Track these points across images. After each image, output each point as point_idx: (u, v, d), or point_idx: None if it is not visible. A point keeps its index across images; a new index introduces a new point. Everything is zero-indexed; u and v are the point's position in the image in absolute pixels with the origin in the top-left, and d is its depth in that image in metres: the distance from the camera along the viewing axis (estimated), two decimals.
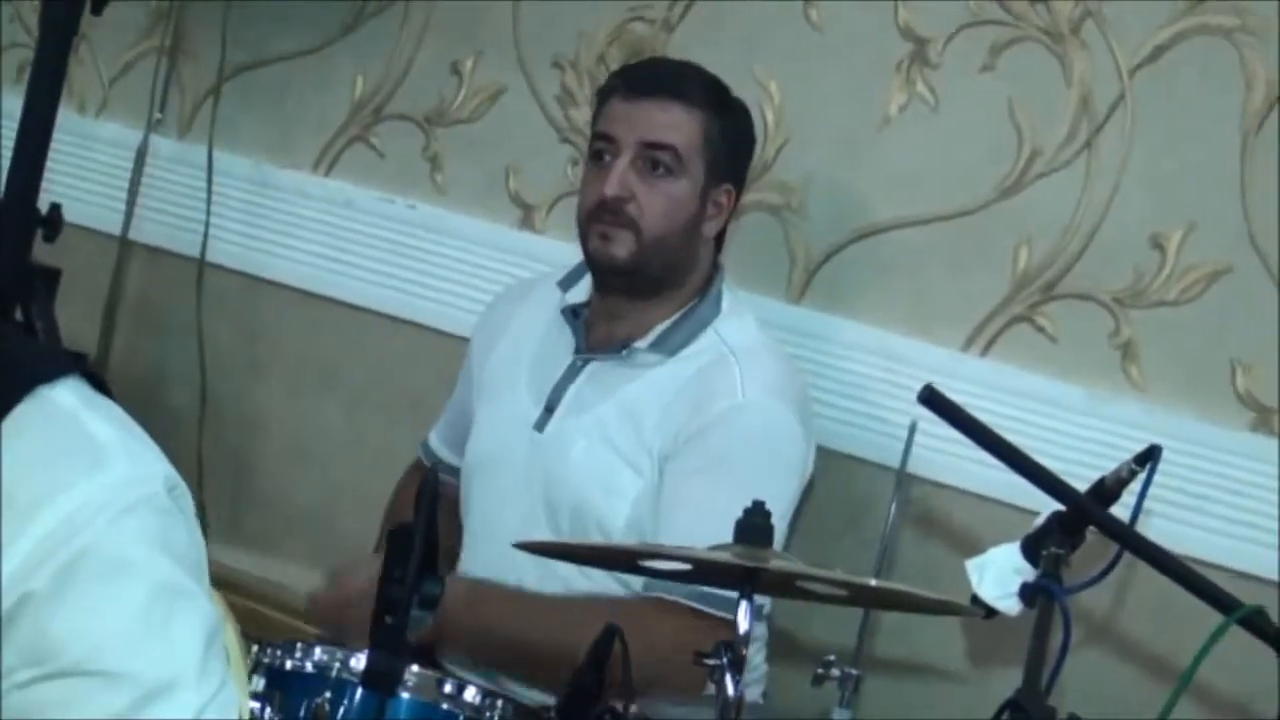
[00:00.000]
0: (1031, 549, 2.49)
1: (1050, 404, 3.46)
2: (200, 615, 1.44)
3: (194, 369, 4.16)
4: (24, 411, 1.43)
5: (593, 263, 3.17)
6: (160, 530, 1.44)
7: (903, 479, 3.07)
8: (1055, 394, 3.46)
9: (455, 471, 3.34)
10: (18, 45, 4.38)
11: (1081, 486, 3.31)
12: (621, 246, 3.11)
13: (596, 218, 3.13)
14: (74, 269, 4.13)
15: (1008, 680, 2.45)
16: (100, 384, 1.52)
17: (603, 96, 3.22)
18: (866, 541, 3.35)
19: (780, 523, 3.01)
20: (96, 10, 3.76)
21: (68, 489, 1.41)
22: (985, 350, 3.53)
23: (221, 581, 4.08)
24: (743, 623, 2.34)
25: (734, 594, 2.36)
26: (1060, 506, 2.51)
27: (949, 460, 3.41)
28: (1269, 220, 3.31)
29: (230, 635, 1.74)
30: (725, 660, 2.32)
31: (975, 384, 3.47)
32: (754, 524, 2.36)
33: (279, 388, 4.17)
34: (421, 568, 2.20)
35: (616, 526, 3.06)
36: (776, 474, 3.05)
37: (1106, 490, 2.47)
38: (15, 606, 1.38)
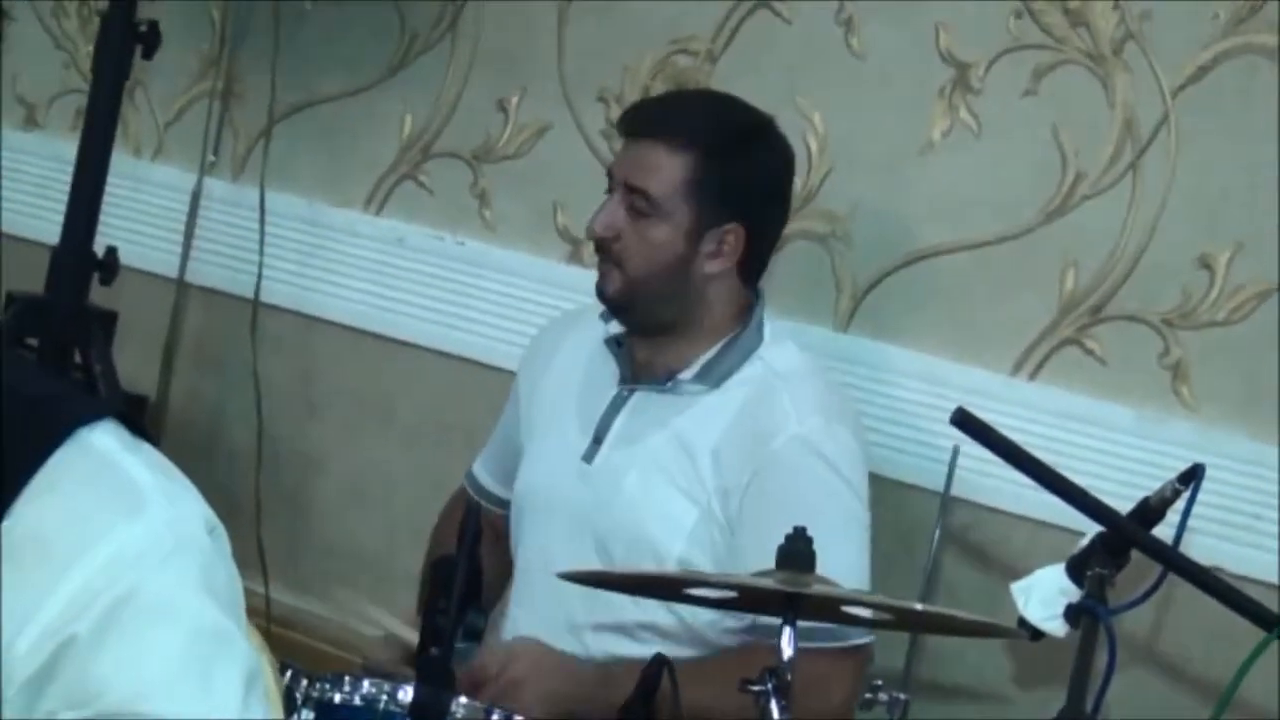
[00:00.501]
0: (1076, 570, 2.47)
1: (1101, 426, 3.42)
2: (241, 658, 1.44)
3: (251, 409, 4.14)
4: (63, 457, 1.42)
5: (599, 294, 3.16)
6: (200, 572, 1.43)
7: (946, 503, 3.05)
8: (1106, 416, 3.42)
9: (499, 501, 3.33)
10: (73, 91, 4.41)
11: (1128, 505, 3.36)
12: (611, 282, 3.10)
13: (597, 252, 3.14)
14: (132, 312, 4.15)
15: (1054, 701, 2.45)
16: (137, 425, 1.52)
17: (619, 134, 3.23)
18: (919, 566, 3.30)
19: (862, 546, 3.01)
20: (148, 55, 3.78)
21: (108, 534, 1.40)
22: (1034, 374, 3.48)
23: (281, 620, 4.14)
24: (786, 649, 2.33)
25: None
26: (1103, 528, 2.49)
27: (993, 483, 3.38)
28: None
29: (266, 669, 1.74)
30: (770, 686, 2.32)
31: (1025, 408, 3.44)
32: (795, 550, 2.35)
33: (335, 425, 4.15)
34: (465, 600, 2.20)
35: (672, 556, 3.01)
36: (851, 493, 3.03)
37: (1151, 510, 2.45)
38: (58, 650, 1.38)
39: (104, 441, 1.45)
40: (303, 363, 4.19)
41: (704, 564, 3.02)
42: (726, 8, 3.78)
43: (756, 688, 2.32)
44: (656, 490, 3.06)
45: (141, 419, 3.78)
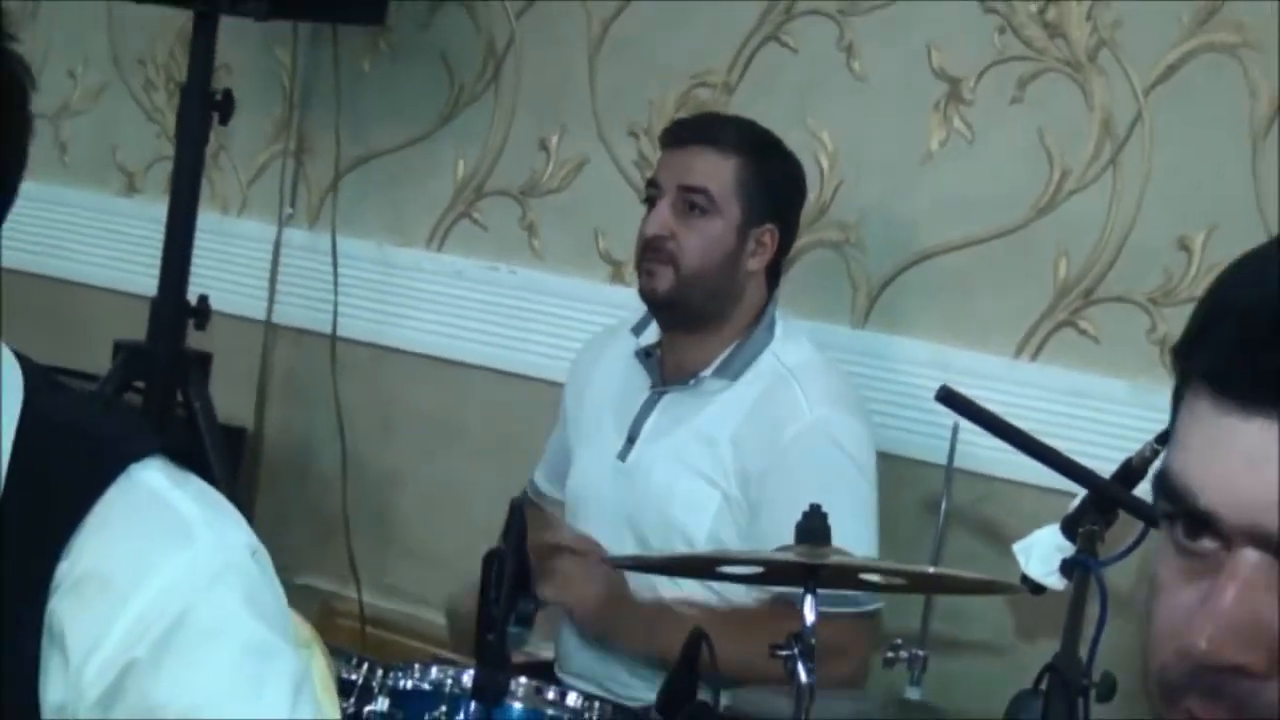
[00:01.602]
0: (1070, 528, 2.47)
1: (1099, 399, 3.44)
2: (287, 667, 1.45)
3: (335, 434, 4.20)
4: (115, 494, 1.44)
5: (643, 297, 3.21)
6: (245, 593, 1.45)
7: (950, 475, 3.05)
8: (1102, 389, 3.43)
9: (557, 504, 3.38)
10: (165, 158, 4.44)
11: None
12: (662, 281, 3.14)
13: (644, 256, 3.17)
14: (226, 353, 4.17)
15: (1052, 651, 2.44)
16: (184, 455, 1.52)
17: (660, 147, 3.28)
18: (928, 539, 3.30)
19: (871, 520, 3.06)
20: (224, 121, 3.81)
21: (160, 565, 1.42)
22: (1035, 355, 3.51)
23: (374, 620, 4.16)
24: (808, 615, 2.33)
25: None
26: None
27: (994, 454, 3.31)
28: None
29: (319, 661, 1.75)
30: (796, 650, 2.32)
31: (1028, 386, 3.47)
32: (812, 526, 2.36)
33: (411, 444, 4.20)
34: (514, 588, 2.21)
35: (700, 538, 3.08)
36: (860, 477, 3.08)
37: (1133, 470, 2.44)
38: (122, 673, 1.40)
39: (152, 478, 1.46)
40: (379, 389, 4.23)
41: (729, 543, 3.08)
42: (739, 43, 3.81)
43: (784, 652, 2.32)
44: (682, 480, 3.12)
45: (223, 447, 3.83)
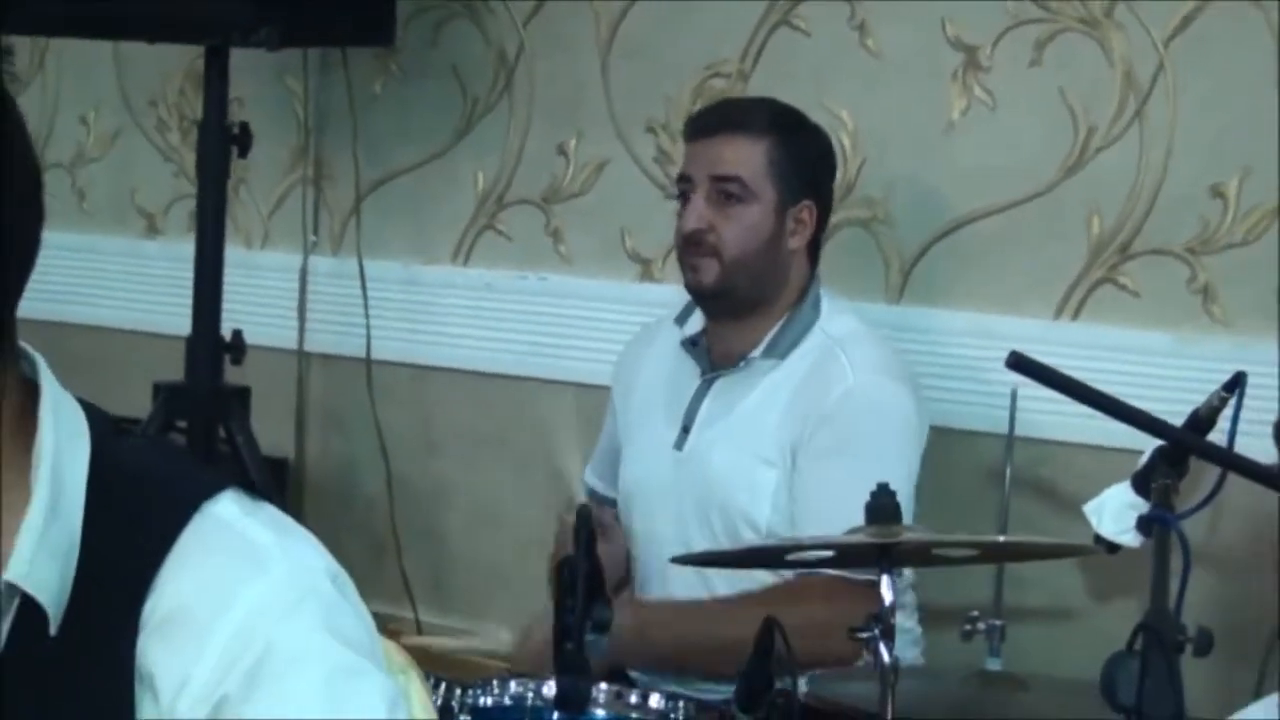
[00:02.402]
0: (1141, 484, 2.41)
1: (1143, 353, 3.38)
2: (377, 688, 1.41)
3: (378, 456, 4.14)
4: (191, 531, 1.41)
5: (690, 291, 3.15)
6: (325, 618, 1.41)
7: (1011, 442, 3.00)
8: (1146, 343, 3.38)
9: (610, 501, 3.33)
10: (184, 196, 4.39)
11: (1179, 422, 3.29)
12: (708, 273, 3.09)
13: (686, 251, 3.12)
14: (263, 384, 4.12)
15: (1128, 610, 2.37)
16: (255, 487, 1.50)
17: (684, 140, 3.21)
18: (995, 506, 3.24)
19: (906, 491, 2.94)
20: (243, 154, 3.78)
21: (239, 597, 1.39)
22: (1075, 315, 3.45)
23: (431, 633, 4.09)
24: (886, 594, 2.27)
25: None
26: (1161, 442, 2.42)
27: (1053, 418, 3.34)
28: None
29: (417, 685, 1.70)
30: (877, 631, 2.26)
31: (1071, 346, 3.40)
32: (882, 504, 2.30)
33: (454, 460, 4.13)
34: (589, 595, 2.15)
35: (763, 518, 3.03)
36: (899, 447, 3.03)
37: (1201, 420, 2.38)
38: (215, 708, 1.37)
39: (226, 510, 1.43)
40: (418, 409, 4.17)
41: (791, 521, 3.01)
42: (750, 30, 3.75)
43: (864, 634, 2.26)
44: (740, 462, 3.07)
45: (267, 479, 3.79)
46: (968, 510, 3.39)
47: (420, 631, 4.08)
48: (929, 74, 3.55)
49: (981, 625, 2.52)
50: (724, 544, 3.06)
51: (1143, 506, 2.37)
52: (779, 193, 3.10)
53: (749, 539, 3.04)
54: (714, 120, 3.16)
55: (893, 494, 2.32)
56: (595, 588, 2.19)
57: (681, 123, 3.77)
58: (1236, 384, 2.34)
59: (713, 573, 3.05)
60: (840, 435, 2.98)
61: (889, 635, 2.26)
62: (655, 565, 3.15)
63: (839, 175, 3.47)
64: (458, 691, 2.40)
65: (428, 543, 4.16)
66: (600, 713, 2.35)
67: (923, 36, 3.56)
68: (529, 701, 2.37)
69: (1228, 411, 2.43)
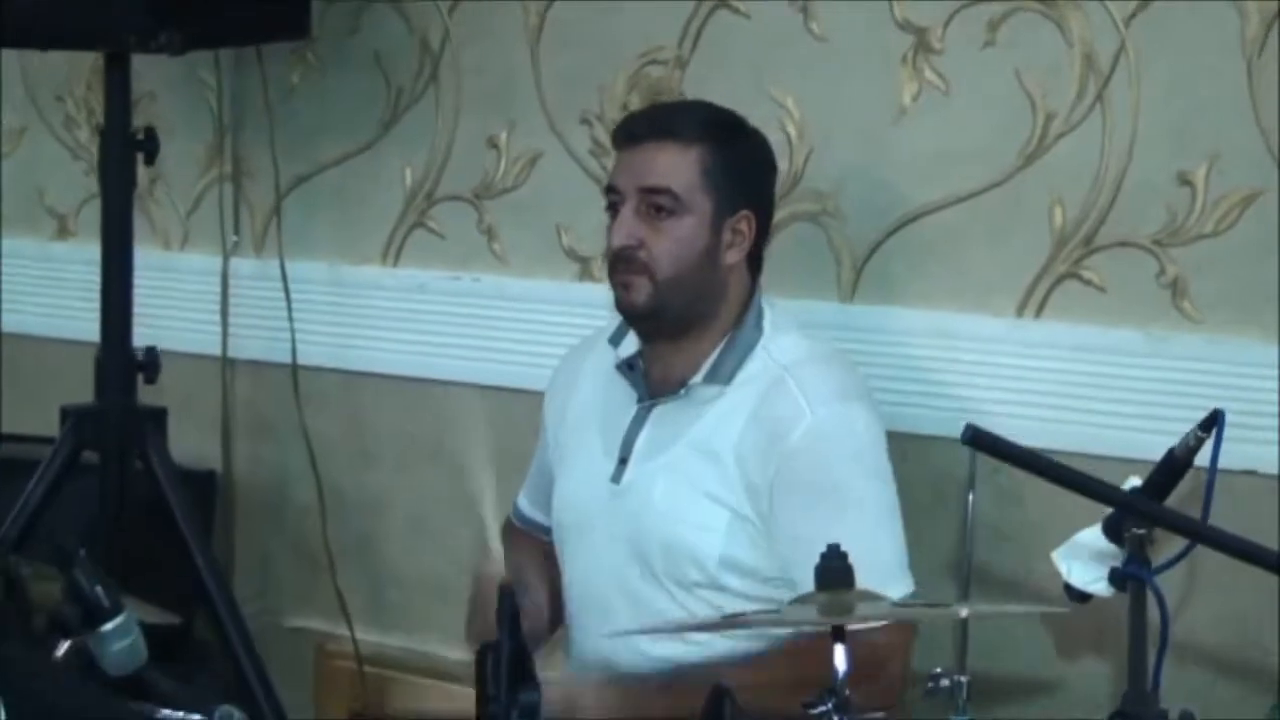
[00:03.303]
0: (1113, 531, 2.23)
1: (1111, 352, 3.20)
2: None
3: (308, 468, 3.95)
4: None
5: (621, 312, 2.93)
6: None
7: (974, 484, 2.83)
8: (1114, 342, 3.20)
9: (544, 529, 3.15)
10: (95, 197, 4.18)
11: (1156, 428, 3.11)
12: (640, 293, 2.87)
13: (615, 269, 2.89)
14: (185, 394, 3.95)
15: (1101, 669, 2.19)
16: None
17: (614, 147, 3.00)
18: (953, 512, 3.13)
19: (891, 517, 2.84)
20: (149, 161, 3.58)
21: None
22: (1039, 312, 3.26)
23: (370, 659, 3.96)
24: (840, 665, 2.10)
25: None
26: (1136, 480, 2.24)
27: (1010, 422, 3.13)
28: None
29: None
30: (830, 705, 2.09)
31: (1034, 346, 3.25)
32: (832, 568, 2.12)
33: (389, 469, 3.95)
34: (513, 680, 1.97)
35: (711, 558, 2.83)
36: (878, 471, 2.86)
37: (1178, 461, 2.19)
38: None
39: None
40: (349, 416, 3.98)
41: (745, 559, 2.84)
42: (686, 14, 3.55)
43: (818, 710, 2.09)
44: (684, 498, 2.87)
45: (189, 504, 3.60)
46: (930, 517, 3.21)
47: (359, 653, 3.92)
48: (878, 58, 3.36)
49: (945, 682, 2.35)
50: (665, 584, 2.86)
51: (1115, 554, 2.19)
52: (714, 204, 2.88)
53: (693, 578, 2.84)
54: (642, 127, 2.93)
55: (843, 555, 2.13)
56: (520, 671, 2.01)
57: (617, 113, 3.61)
58: (1214, 423, 2.16)
59: (649, 616, 2.85)
60: (818, 484, 2.79)
61: (844, 709, 2.08)
62: (589, 602, 2.97)
63: (784, 166, 3.31)
64: None
65: (363, 557, 3.98)
66: None
67: (870, 18, 3.36)
68: None
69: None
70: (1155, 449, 2.98)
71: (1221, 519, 2.25)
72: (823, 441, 2.81)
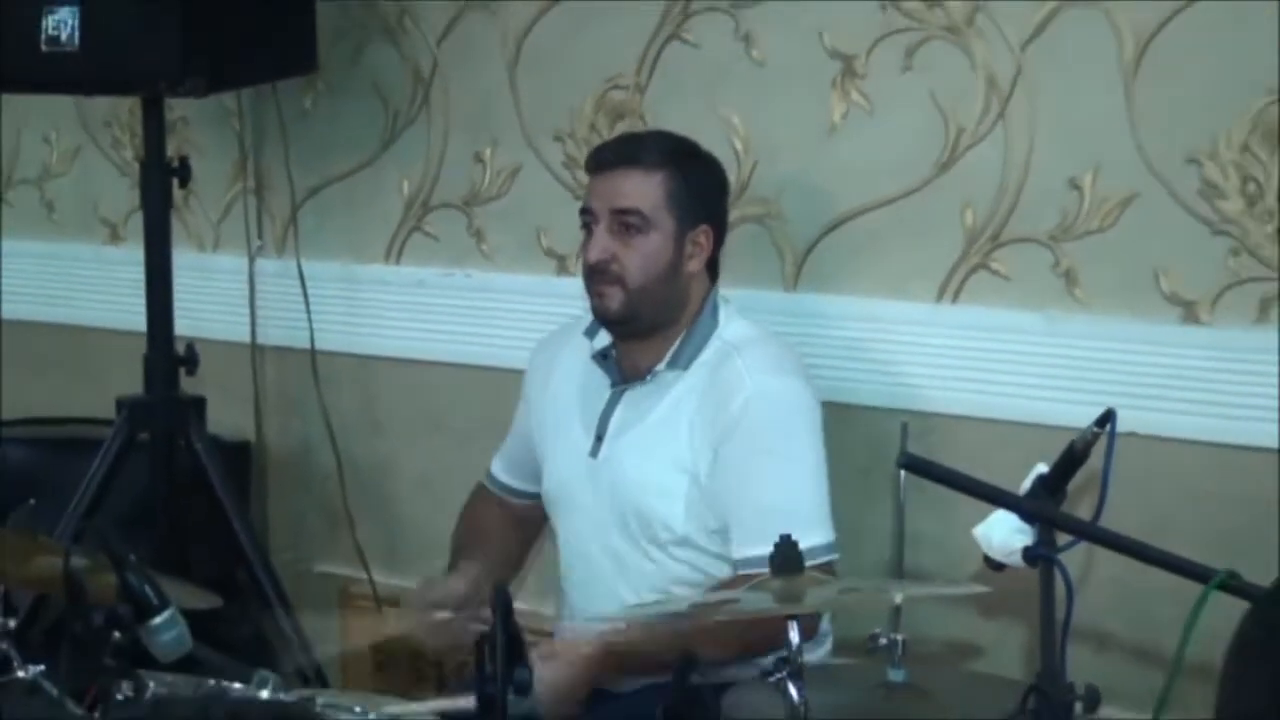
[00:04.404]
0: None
1: (1015, 331, 3.18)
2: None
3: (326, 438, 3.91)
4: None
5: (597, 317, 2.92)
6: None
7: (901, 507, 2.78)
8: (1017, 323, 3.17)
9: (517, 493, 3.15)
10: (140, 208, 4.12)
11: (1054, 396, 3.10)
12: (613, 300, 2.85)
13: (591, 280, 2.88)
14: (222, 375, 3.92)
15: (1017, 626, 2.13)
16: None
17: (586, 173, 2.96)
18: (886, 473, 3.07)
19: (818, 478, 2.81)
20: (183, 185, 3.54)
21: None
22: (955, 298, 3.23)
23: (388, 600, 3.91)
24: (794, 638, 2.06)
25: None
26: (1043, 468, 2.20)
27: (941, 394, 3.19)
28: (1159, 149, 3.01)
29: None
30: (785, 673, 2.05)
31: (952, 327, 3.22)
32: (785, 556, 2.08)
33: (397, 438, 3.90)
34: (508, 662, 1.93)
35: (677, 521, 2.83)
36: (807, 437, 2.82)
37: (1077, 454, 2.15)
38: None
39: None
40: (361, 393, 3.93)
41: (708, 518, 2.83)
42: (643, 45, 3.50)
43: (775, 677, 2.05)
44: (651, 469, 2.86)
45: (225, 475, 3.56)
46: (862, 482, 3.18)
47: (376, 594, 3.89)
48: (811, 81, 3.31)
49: (883, 640, 2.31)
50: (642, 543, 2.87)
51: (1028, 532, 2.15)
52: (677, 221, 2.86)
53: (664, 538, 2.85)
54: (611, 156, 2.90)
55: (795, 544, 2.10)
56: (514, 653, 1.96)
57: (586, 131, 3.57)
58: (1107, 420, 2.11)
59: (634, 572, 2.84)
60: (752, 443, 2.77)
61: (798, 675, 2.04)
62: (578, 566, 2.96)
63: (733, 175, 3.27)
64: None
65: (378, 512, 3.95)
66: None
67: (803, 47, 3.31)
68: None
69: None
70: (1053, 415, 3.04)
71: (1128, 483, 2.22)
72: (759, 407, 2.79)
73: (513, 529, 3.13)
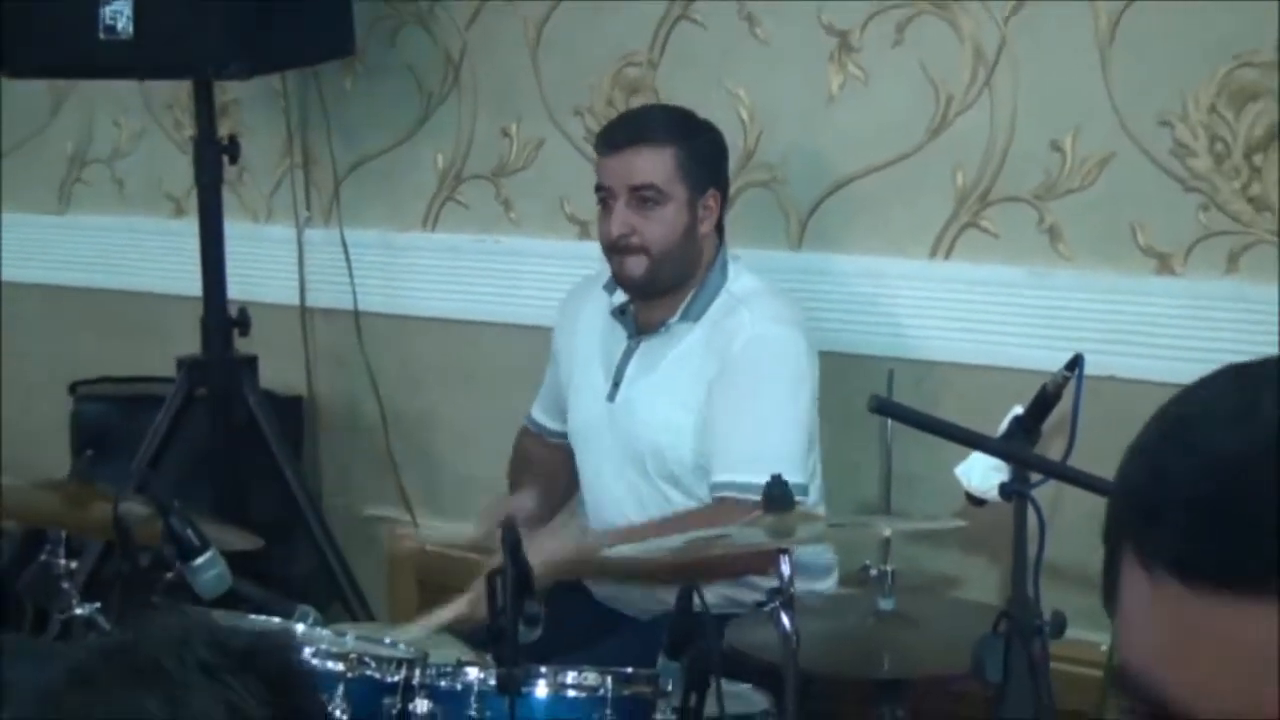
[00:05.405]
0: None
1: (1004, 286, 3.12)
2: None
3: (371, 392, 3.88)
4: None
5: (619, 283, 2.89)
6: None
7: (888, 449, 2.72)
8: (1006, 277, 3.11)
9: (554, 433, 3.13)
10: None
11: (1039, 344, 3.04)
12: (637, 267, 2.83)
13: (613, 251, 2.84)
14: (275, 335, 3.89)
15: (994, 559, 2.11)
16: None
17: (597, 153, 2.91)
18: (881, 421, 3.00)
19: (797, 425, 2.75)
20: (233, 161, 3.51)
21: None
22: (947, 255, 3.17)
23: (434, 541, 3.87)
24: (785, 570, 2.02)
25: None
26: (1019, 410, 2.15)
27: (932, 343, 3.13)
28: (1133, 112, 2.94)
29: None
30: (779, 602, 2.01)
31: (944, 282, 3.17)
32: (775, 494, 2.04)
33: (436, 391, 3.87)
34: (518, 595, 1.90)
35: (686, 459, 2.80)
36: (791, 386, 2.78)
37: (1049, 396, 2.11)
38: None
39: None
40: (401, 351, 3.90)
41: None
42: (654, 26, 3.44)
43: (767, 606, 2.02)
44: (662, 411, 2.84)
45: (278, 426, 3.54)
46: (860, 426, 3.13)
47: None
48: (810, 56, 3.25)
49: (874, 571, 2.28)
50: (655, 479, 2.85)
51: (1004, 470, 2.11)
52: (689, 189, 2.83)
53: (677, 473, 2.83)
54: (621, 136, 2.86)
55: (785, 483, 2.06)
56: (523, 587, 1.93)
57: (603, 106, 3.52)
58: (1075, 364, 2.07)
59: (652, 506, 2.84)
60: (743, 381, 2.74)
61: (789, 605, 2.01)
62: (599, 495, 2.95)
63: (740, 144, 3.23)
64: (418, 672, 2.15)
65: (419, 460, 3.92)
66: (539, 694, 2.11)
67: (802, 24, 3.25)
68: (477, 687, 2.12)
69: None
70: (1038, 361, 2.96)
71: (1106, 423, 2.17)
72: (754, 349, 2.76)
73: (559, 460, 3.11)
